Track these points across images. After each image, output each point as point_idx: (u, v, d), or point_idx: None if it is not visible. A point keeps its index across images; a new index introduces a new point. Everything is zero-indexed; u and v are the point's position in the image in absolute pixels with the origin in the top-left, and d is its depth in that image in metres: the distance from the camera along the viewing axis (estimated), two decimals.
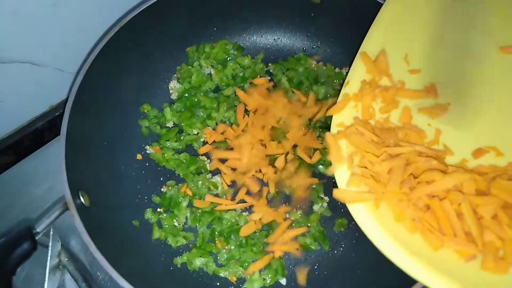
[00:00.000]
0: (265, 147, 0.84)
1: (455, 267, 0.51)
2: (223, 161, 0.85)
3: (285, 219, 0.80)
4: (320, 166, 0.85)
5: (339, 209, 0.83)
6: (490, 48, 0.67)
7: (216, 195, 0.83)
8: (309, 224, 0.80)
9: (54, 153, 0.92)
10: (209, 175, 0.85)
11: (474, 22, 0.70)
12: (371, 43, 0.72)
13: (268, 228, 0.80)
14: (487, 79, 0.65)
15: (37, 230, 0.62)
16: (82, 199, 0.68)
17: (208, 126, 0.90)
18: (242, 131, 0.87)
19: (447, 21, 0.71)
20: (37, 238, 0.62)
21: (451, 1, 0.73)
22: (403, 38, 0.71)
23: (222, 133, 0.89)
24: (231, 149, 0.85)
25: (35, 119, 0.97)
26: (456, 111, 0.63)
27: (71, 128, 0.71)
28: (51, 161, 0.93)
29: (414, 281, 0.66)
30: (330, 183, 0.85)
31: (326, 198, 0.83)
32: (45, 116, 0.98)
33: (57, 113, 0.98)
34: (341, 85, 0.92)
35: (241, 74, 0.95)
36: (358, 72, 0.70)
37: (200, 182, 0.83)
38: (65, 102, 0.96)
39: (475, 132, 0.60)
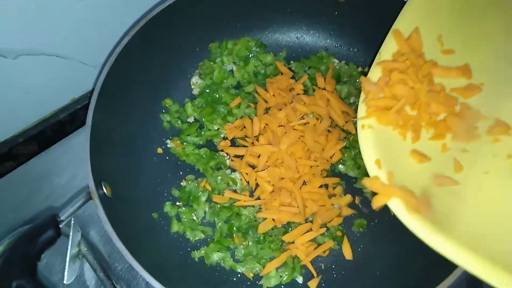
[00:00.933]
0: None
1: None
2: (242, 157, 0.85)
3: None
4: (340, 166, 0.85)
5: (359, 209, 0.82)
6: None
7: (235, 191, 0.84)
8: (327, 224, 0.79)
9: (76, 144, 0.95)
10: (229, 171, 0.86)
11: None
12: (404, 21, 0.69)
13: (287, 225, 0.80)
14: None
15: (61, 218, 0.63)
16: (104, 190, 0.69)
17: (229, 122, 0.90)
18: (261, 131, 0.87)
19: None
20: (61, 226, 0.63)
21: None
22: (437, 17, 0.68)
23: (242, 129, 0.89)
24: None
25: (57, 111, 0.99)
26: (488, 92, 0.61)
27: (95, 119, 0.72)
28: (73, 152, 0.94)
29: (434, 285, 0.65)
30: (350, 183, 0.84)
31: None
32: (67, 108, 0.99)
33: (79, 106, 0.99)
34: None
35: (262, 72, 0.95)
36: (389, 48, 0.67)
37: (220, 177, 0.84)
38: (87, 94, 0.99)
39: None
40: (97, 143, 0.71)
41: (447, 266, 0.69)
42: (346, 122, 0.86)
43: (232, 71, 0.96)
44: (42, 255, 0.60)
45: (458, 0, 0.70)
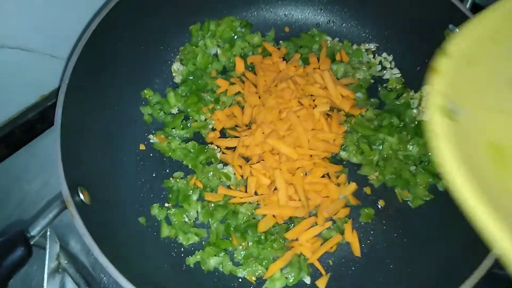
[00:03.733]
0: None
1: None
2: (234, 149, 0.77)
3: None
4: (342, 152, 0.78)
5: (365, 198, 0.75)
6: None
7: (229, 187, 0.76)
8: (333, 217, 0.73)
9: (48, 145, 0.87)
10: (220, 165, 0.78)
11: None
12: None
13: (289, 221, 0.73)
14: None
15: (32, 234, 0.54)
16: (81, 196, 0.61)
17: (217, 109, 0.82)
18: (252, 120, 0.80)
19: None
20: (32, 242, 0.54)
21: None
22: None
23: (232, 118, 0.81)
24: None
25: (26, 110, 0.90)
26: None
27: (66, 117, 0.64)
28: (44, 154, 0.86)
29: (448, 278, 0.60)
30: (353, 170, 0.77)
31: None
32: (36, 107, 0.91)
33: (49, 103, 0.91)
34: (360, 62, 0.86)
35: (250, 54, 0.87)
36: None
37: (211, 173, 0.76)
38: (57, 91, 0.90)
39: None
40: (69, 143, 0.63)
41: (466, 257, 0.64)
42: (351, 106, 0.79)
43: (216, 54, 0.88)
44: (11, 280, 0.51)
45: None
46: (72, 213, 0.56)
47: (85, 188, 0.63)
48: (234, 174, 0.77)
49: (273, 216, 0.72)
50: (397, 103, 0.82)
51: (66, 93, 0.64)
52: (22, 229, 0.54)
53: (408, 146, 0.76)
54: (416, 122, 0.79)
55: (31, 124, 0.90)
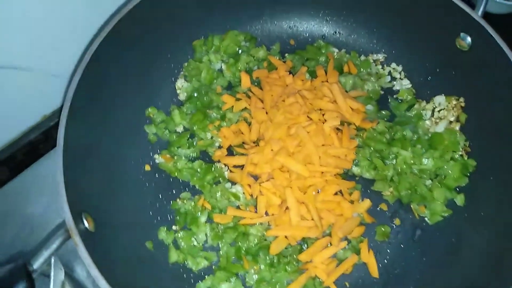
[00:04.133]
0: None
1: None
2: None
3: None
4: (355, 168, 0.75)
5: (380, 215, 0.72)
6: None
7: (238, 207, 0.73)
8: (348, 236, 0.70)
9: (51, 167, 0.82)
10: (229, 185, 0.75)
11: None
12: None
13: (302, 242, 0.70)
14: None
15: (35, 267, 0.52)
16: (85, 223, 0.58)
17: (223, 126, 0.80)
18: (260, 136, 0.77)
19: None
20: (34, 276, 0.51)
21: None
22: None
23: (239, 135, 0.79)
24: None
25: (28, 131, 0.89)
26: None
27: (68, 138, 0.61)
28: (47, 176, 0.82)
29: None
30: (366, 186, 0.75)
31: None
32: (38, 127, 0.89)
33: (51, 123, 0.89)
34: (369, 74, 0.84)
35: (255, 68, 0.85)
36: None
37: (219, 193, 0.73)
38: (59, 110, 0.88)
39: None
40: (72, 166, 0.60)
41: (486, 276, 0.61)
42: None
43: (221, 70, 0.86)
44: None
45: None
46: (76, 243, 0.53)
47: (89, 215, 0.60)
48: (243, 193, 0.74)
49: (285, 237, 0.69)
50: (409, 114, 0.79)
51: (69, 113, 0.62)
52: (24, 262, 0.51)
53: (422, 159, 0.74)
54: (429, 134, 0.77)
55: (33, 145, 0.89)
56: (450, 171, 0.72)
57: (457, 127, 0.76)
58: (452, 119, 0.77)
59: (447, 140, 0.74)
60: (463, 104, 0.76)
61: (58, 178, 0.58)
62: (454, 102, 0.77)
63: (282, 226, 0.69)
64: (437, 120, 0.78)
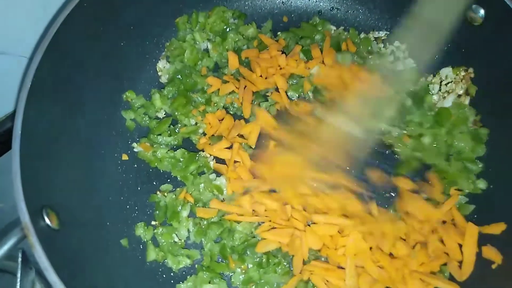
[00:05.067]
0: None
1: None
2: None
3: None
4: None
5: None
6: None
7: (223, 201, 0.67)
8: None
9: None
10: (213, 175, 0.69)
11: None
12: None
13: None
14: None
15: None
16: (47, 220, 0.51)
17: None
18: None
19: None
20: None
21: None
22: None
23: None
24: None
25: (4, 119, 0.81)
26: None
27: (27, 123, 0.54)
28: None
29: None
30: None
31: None
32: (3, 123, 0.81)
33: None
34: (369, 52, 0.77)
35: (244, 47, 0.78)
36: None
37: (203, 185, 0.67)
38: None
39: None
40: (32, 157, 0.54)
41: None
42: None
43: (207, 50, 0.79)
44: None
45: None
46: (32, 243, 0.47)
47: (53, 210, 0.53)
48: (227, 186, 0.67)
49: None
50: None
51: (29, 94, 0.54)
52: None
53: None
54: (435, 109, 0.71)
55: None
56: (462, 144, 0.67)
57: (466, 101, 0.70)
58: (460, 92, 0.71)
59: (455, 115, 0.69)
60: (472, 75, 0.70)
61: (14, 168, 0.51)
62: (463, 73, 0.71)
63: (280, 232, 0.62)
64: (445, 95, 0.72)
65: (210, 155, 0.70)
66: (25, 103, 0.54)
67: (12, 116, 0.81)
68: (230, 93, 0.74)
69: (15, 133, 0.53)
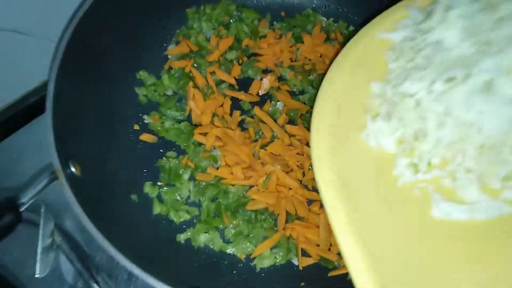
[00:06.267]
0: None
1: None
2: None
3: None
4: None
5: None
6: None
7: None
8: None
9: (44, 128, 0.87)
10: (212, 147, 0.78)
11: None
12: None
13: None
14: None
15: (22, 201, 0.55)
16: (73, 168, 0.62)
17: None
18: None
19: None
20: (21, 209, 0.55)
21: None
22: None
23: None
24: None
25: (27, 94, 0.91)
26: None
27: (58, 92, 0.64)
28: (40, 136, 0.85)
29: None
30: None
31: None
32: (38, 91, 0.91)
33: None
34: None
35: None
36: None
37: (201, 153, 0.76)
38: None
39: None
40: (62, 119, 0.63)
41: None
42: None
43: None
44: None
45: None
46: (62, 182, 0.57)
47: (77, 163, 0.63)
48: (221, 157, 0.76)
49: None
50: None
51: (59, 70, 0.64)
52: (13, 196, 0.55)
53: None
54: None
55: (32, 109, 0.91)
56: None
57: None
58: None
59: None
60: None
61: (47, 126, 0.61)
62: None
63: (265, 193, 0.72)
64: None
65: None
66: (56, 73, 0.65)
67: (44, 86, 0.90)
68: None
69: (48, 97, 0.63)
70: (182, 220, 0.73)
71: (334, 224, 0.46)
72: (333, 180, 0.49)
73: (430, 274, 0.43)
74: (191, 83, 0.81)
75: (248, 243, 0.70)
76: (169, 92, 0.84)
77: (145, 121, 0.81)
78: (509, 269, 0.42)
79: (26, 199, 0.56)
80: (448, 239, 0.45)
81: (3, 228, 0.52)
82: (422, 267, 0.43)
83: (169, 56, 0.87)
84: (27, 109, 0.91)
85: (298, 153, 0.75)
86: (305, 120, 0.78)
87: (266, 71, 0.84)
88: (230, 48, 0.84)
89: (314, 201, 0.73)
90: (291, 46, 0.85)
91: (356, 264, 0.43)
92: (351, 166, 0.50)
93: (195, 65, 0.84)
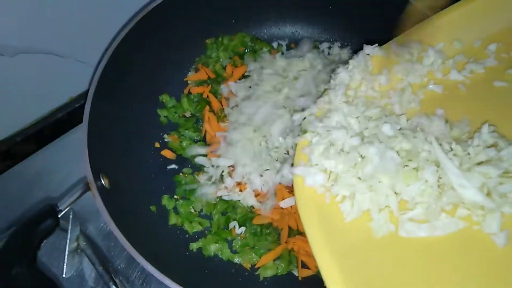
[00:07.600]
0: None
1: None
2: None
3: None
4: None
5: None
6: None
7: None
8: None
9: (73, 142, 0.94)
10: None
11: None
12: None
13: None
14: None
15: (60, 208, 0.64)
16: (103, 181, 0.70)
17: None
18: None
19: None
20: (59, 216, 0.64)
21: None
22: None
23: None
24: None
25: (55, 110, 1.00)
26: None
27: (93, 112, 0.73)
28: (70, 150, 0.94)
29: None
30: None
31: None
32: (65, 107, 1.00)
33: (77, 105, 1.00)
34: None
35: None
36: None
37: None
38: (85, 93, 0.99)
39: None
40: (94, 137, 0.72)
41: None
42: None
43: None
44: (42, 244, 0.60)
45: None
46: (94, 193, 0.65)
47: (106, 175, 0.72)
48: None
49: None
50: None
51: (95, 93, 0.74)
52: (52, 204, 0.64)
53: None
54: None
55: (59, 123, 0.99)
56: None
57: None
58: None
59: None
60: None
61: (83, 142, 0.69)
62: None
63: (272, 210, 0.78)
64: None
65: None
66: (93, 95, 0.74)
67: (72, 103, 0.99)
68: None
69: (85, 118, 0.72)
70: (195, 230, 0.81)
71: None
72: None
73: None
74: (207, 107, 0.90)
75: (253, 254, 0.77)
76: (188, 114, 0.92)
77: (165, 140, 0.90)
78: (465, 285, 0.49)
79: (63, 206, 0.65)
80: (414, 256, 0.53)
81: (46, 230, 0.61)
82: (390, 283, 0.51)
83: (189, 82, 0.96)
84: (56, 123, 0.99)
85: None
86: None
87: None
88: (244, 76, 0.93)
89: None
90: None
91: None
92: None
93: (212, 91, 0.92)
